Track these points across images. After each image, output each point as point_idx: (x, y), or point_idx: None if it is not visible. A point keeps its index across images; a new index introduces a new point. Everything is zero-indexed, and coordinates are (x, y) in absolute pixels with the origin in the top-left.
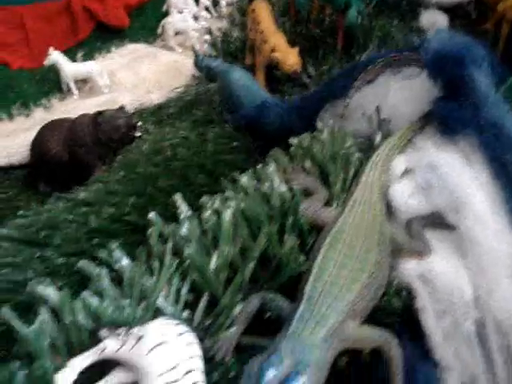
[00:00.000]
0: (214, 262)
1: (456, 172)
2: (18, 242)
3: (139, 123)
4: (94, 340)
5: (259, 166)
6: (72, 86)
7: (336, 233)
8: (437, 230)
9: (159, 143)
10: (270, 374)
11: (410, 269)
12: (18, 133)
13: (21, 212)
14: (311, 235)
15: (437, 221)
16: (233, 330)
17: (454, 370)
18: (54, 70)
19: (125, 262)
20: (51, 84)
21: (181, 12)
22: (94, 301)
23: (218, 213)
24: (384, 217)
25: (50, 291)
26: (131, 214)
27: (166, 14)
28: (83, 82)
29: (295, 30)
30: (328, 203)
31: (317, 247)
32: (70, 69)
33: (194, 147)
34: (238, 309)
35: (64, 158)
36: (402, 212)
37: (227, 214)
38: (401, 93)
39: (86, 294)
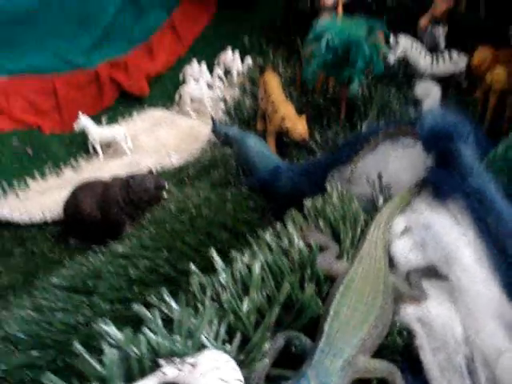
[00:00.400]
0: (245, 307)
1: (446, 231)
2: (67, 290)
3: (166, 185)
4: (154, 369)
5: (278, 225)
6: (98, 148)
7: (348, 282)
8: (432, 280)
9: (183, 203)
10: None
11: (409, 313)
12: (51, 191)
13: (66, 264)
14: (326, 283)
15: (431, 272)
16: (263, 362)
17: None
18: (81, 134)
19: (174, 305)
20: (79, 146)
21: (196, 81)
22: (152, 336)
23: (248, 265)
24: (387, 269)
25: (112, 329)
26: (164, 266)
27: (182, 82)
28: (107, 145)
29: (301, 99)
30: (339, 257)
31: (332, 294)
32: (97, 133)
33: (215, 207)
34: (266, 346)
35: (97, 217)
36: (402, 265)
37: (256, 267)
38: (399, 161)
39: (145, 330)
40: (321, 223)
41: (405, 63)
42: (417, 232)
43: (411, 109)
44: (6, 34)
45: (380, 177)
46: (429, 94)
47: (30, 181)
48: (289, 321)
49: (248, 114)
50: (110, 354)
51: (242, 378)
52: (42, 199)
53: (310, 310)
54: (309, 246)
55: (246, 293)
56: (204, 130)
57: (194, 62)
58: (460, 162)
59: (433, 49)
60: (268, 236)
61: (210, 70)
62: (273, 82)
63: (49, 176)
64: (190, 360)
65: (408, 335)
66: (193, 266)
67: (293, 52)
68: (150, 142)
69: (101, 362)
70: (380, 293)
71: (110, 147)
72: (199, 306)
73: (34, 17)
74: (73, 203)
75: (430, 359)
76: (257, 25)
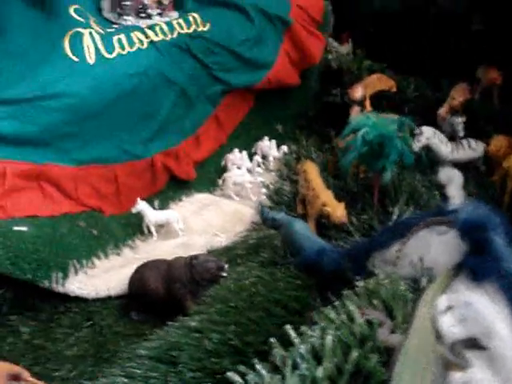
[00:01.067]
0: (320, 374)
1: (485, 308)
2: (153, 360)
3: (226, 267)
4: None
5: (337, 303)
6: (153, 229)
7: (405, 355)
8: (473, 350)
9: (240, 281)
10: None
11: (456, 378)
12: (114, 269)
13: (148, 337)
14: (385, 354)
15: (472, 343)
16: None
17: None
18: (137, 216)
19: (264, 372)
20: (135, 227)
21: (239, 168)
22: None
23: (320, 338)
24: (435, 342)
25: None
26: (233, 339)
27: (224, 167)
28: (160, 227)
29: (336, 184)
30: (393, 331)
31: (392, 363)
32: (153, 215)
33: (269, 285)
34: None
35: (161, 293)
36: (447, 337)
37: (329, 340)
38: (437, 246)
39: None
40: (375, 302)
41: (427, 151)
42: (458, 309)
43: (436, 193)
44: (79, 128)
45: (422, 260)
46: (452, 180)
47: (95, 260)
48: None
49: (288, 198)
50: None
51: None
52: (106, 276)
53: (376, 376)
54: (368, 322)
55: (319, 362)
56: (247, 213)
57: (236, 150)
58: (493, 249)
59: (452, 137)
60: (333, 314)
61: (249, 157)
62: (312, 171)
63: (111, 256)
64: None
65: None
66: (273, 340)
67: (324, 140)
68: (198, 224)
69: None
70: (431, 365)
71: (162, 228)
72: (285, 373)
73: (102, 112)
74: (138, 279)
75: None
76: (290, 115)
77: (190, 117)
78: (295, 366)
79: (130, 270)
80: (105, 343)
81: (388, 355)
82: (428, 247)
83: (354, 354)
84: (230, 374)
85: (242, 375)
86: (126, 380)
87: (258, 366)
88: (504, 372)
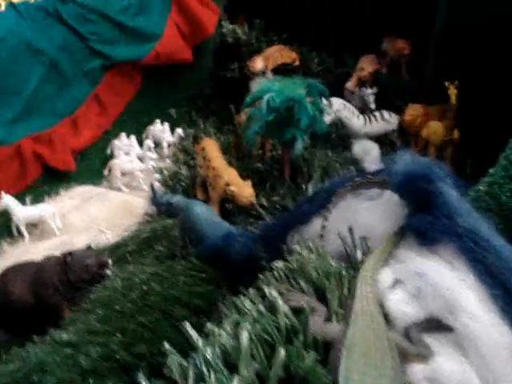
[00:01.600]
0: None
1: (443, 277)
2: None
3: (109, 262)
4: None
5: (252, 291)
6: (23, 229)
7: (349, 346)
8: (436, 334)
9: (130, 280)
10: None
11: (416, 372)
12: None
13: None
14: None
15: (433, 324)
16: None
17: None
18: (3, 215)
19: None
20: (2, 228)
21: (127, 154)
22: None
23: (233, 336)
24: (386, 326)
25: None
26: (118, 351)
27: (110, 156)
28: (33, 226)
29: (241, 165)
30: (328, 319)
31: (334, 361)
32: (22, 212)
33: (166, 282)
34: None
35: (29, 301)
36: (399, 320)
37: (244, 337)
38: (369, 213)
39: None
40: (302, 284)
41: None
42: (410, 283)
43: (352, 167)
44: None
45: (351, 231)
46: (368, 153)
47: None
48: None
49: (186, 184)
50: None
51: None
52: None
53: (314, 380)
54: (295, 310)
55: (234, 370)
56: (138, 204)
57: (123, 136)
58: (444, 203)
59: (363, 110)
60: (248, 303)
61: (139, 143)
62: (212, 148)
63: None
64: None
65: None
66: (167, 346)
67: (224, 121)
68: (80, 220)
69: None
70: (387, 352)
71: (36, 228)
72: None
73: None
74: (0, 289)
75: None
76: (183, 95)
77: (64, 96)
78: (200, 379)
79: None
80: None
81: (326, 350)
82: (358, 215)
83: (281, 353)
84: None
85: None
86: None
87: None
88: (478, 357)
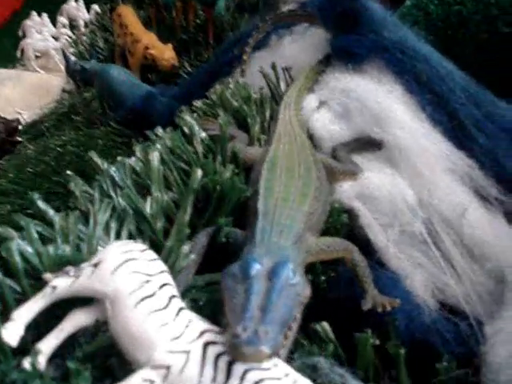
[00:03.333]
0: (148, 208)
1: (370, 92)
2: None
3: (20, 126)
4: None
5: (168, 129)
6: None
7: (271, 159)
8: (364, 153)
9: (45, 147)
10: (256, 266)
11: (346, 190)
12: None
13: None
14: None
15: (361, 142)
16: (187, 264)
17: (414, 275)
18: None
19: (51, 212)
20: None
21: (39, 33)
22: (28, 249)
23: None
24: (311, 145)
25: None
26: (31, 207)
27: (22, 38)
28: None
29: (165, 38)
30: (250, 144)
31: (254, 177)
32: None
33: (84, 146)
34: (185, 247)
35: None
36: (325, 140)
37: (155, 157)
38: (295, 45)
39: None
40: (221, 113)
41: None
42: (335, 101)
43: None
44: None
45: (274, 66)
46: None
47: None
48: (208, 216)
49: (104, 56)
50: None
51: (166, 268)
52: None
53: (232, 193)
54: (211, 137)
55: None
56: (55, 83)
57: (34, 15)
58: (370, 19)
59: None
60: (160, 131)
61: (53, 23)
62: (128, 14)
63: None
64: (89, 262)
65: (350, 219)
66: (69, 172)
67: None
68: None
69: None
70: (312, 164)
71: None
72: (90, 208)
73: None
74: None
75: (381, 238)
76: None
77: None
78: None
79: None
80: None
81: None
82: (280, 50)
83: (197, 172)
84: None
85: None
86: None
87: (41, 204)
88: (410, 168)
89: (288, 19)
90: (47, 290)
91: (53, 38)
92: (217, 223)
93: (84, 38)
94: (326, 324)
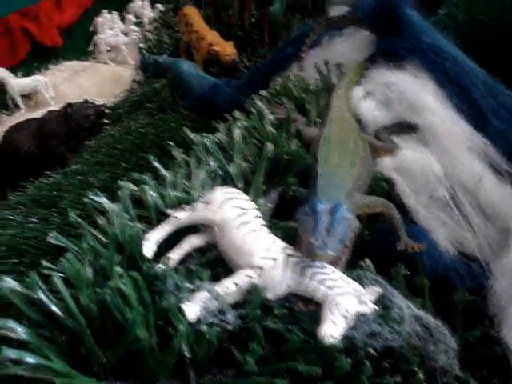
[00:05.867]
0: (232, 170)
1: (408, 85)
2: (30, 205)
3: (107, 110)
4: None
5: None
6: (19, 100)
7: (327, 136)
8: (402, 135)
9: (127, 128)
10: (321, 205)
11: (386, 164)
12: None
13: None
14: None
15: (400, 126)
16: (264, 212)
17: (439, 231)
18: None
19: (163, 170)
20: None
21: (111, 29)
22: (152, 193)
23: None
24: (358, 127)
25: (104, 200)
26: (125, 175)
27: (93, 33)
28: (28, 98)
29: (222, 35)
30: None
31: (313, 149)
32: (16, 83)
33: (160, 128)
34: (261, 201)
35: (34, 154)
36: (370, 124)
37: (236, 133)
38: (343, 45)
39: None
40: (284, 101)
41: None
42: (379, 92)
43: None
44: None
45: (327, 62)
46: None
47: None
48: (277, 179)
49: (170, 51)
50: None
51: (256, 206)
52: None
53: (297, 160)
54: (278, 119)
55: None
56: (125, 74)
57: (105, 12)
58: (409, 24)
59: None
60: (237, 113)
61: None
62: (194, 13)
63: None
64: (200, 200)
65: (388, 185)
66: (171, 143)
67: None
68: (71, 91)
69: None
70: (359, 141)
71: (31, 99)
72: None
73: None
74: (6, 145)
75: (413, 201)
76: None
77: None
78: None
79: None
80: None
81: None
82: (332, 48)
83: (269, 146)
84: (123, 183)
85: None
86: None
87: (156, 163)
88: (438, 146)
89: (339, 23)
90: (171, 219)
91: (122, 33)
92: (285, 184)
93: (149, 34)
94: (368, 260)
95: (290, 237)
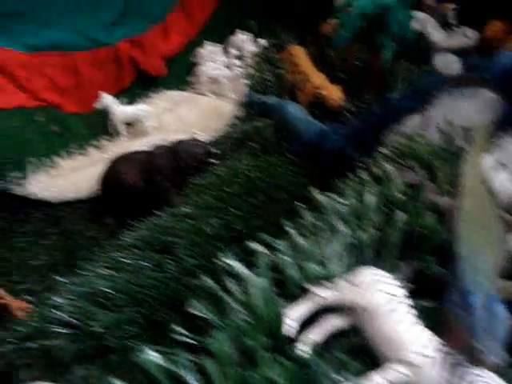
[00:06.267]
0: (365, 237)
1: None
2: (144, 249)
3: (216, 151)
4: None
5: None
6: (121, 128)
7: (464, 210)
8: None
9: (233, 169)
10: (473, 298)
11: None
12: (80, 169)
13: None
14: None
15: None
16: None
17: None
18: (101, 114)
19: (298, 238)
20: (99, 127)
21: (213, 61)
22: (289, 259)
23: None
24: (493, 202)
25: (234, 262)
26: (236, 222)
27: (195, 64)
28: (129, 125)
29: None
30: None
31: (449, 224)
32: (120, 111)
33: (266, 172)
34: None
35: (139, 188)
36: (502, 195)
37: (371, 199)
38: (469, 105)
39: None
40: (414, 164)
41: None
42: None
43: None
44: (23, 8)
45: (450, 123)
46: (449, 66)
47: (57, 159)
48: (409, 253)
49: (273, 89)
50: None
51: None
52: (71, 176)
53: (434, 235)
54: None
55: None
56: (226, 108)
57: (207, 44)
58: None
59: (443, 25)
60: (365, 175)
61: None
62: (300, 54)
63: (74, 155)
64: (344, 280)
65: None
66: (300, 204)
67: (307, 31)
68: (172, 122)
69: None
70: (496, 218)
71: (132, 127)
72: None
73: None
74: (112, 174)
75: None
76: (264, 6)
77: (155, 1)
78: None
79: (99, 170)
80: (76, 250)
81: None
82: (456, 109)
83: (400, 214)
84: (252, 244)
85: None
86: (113, 272)
87: (289, 229)
88: None
89: (465, 83)
90: (313, 297)
91: (225, 66)
92: (421, 259)
93: (252, 70)
94: None
95: (435, 321)
